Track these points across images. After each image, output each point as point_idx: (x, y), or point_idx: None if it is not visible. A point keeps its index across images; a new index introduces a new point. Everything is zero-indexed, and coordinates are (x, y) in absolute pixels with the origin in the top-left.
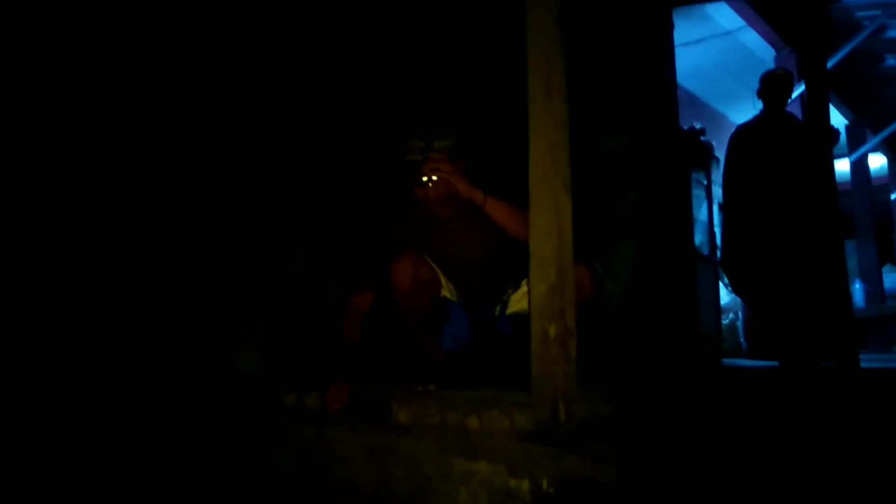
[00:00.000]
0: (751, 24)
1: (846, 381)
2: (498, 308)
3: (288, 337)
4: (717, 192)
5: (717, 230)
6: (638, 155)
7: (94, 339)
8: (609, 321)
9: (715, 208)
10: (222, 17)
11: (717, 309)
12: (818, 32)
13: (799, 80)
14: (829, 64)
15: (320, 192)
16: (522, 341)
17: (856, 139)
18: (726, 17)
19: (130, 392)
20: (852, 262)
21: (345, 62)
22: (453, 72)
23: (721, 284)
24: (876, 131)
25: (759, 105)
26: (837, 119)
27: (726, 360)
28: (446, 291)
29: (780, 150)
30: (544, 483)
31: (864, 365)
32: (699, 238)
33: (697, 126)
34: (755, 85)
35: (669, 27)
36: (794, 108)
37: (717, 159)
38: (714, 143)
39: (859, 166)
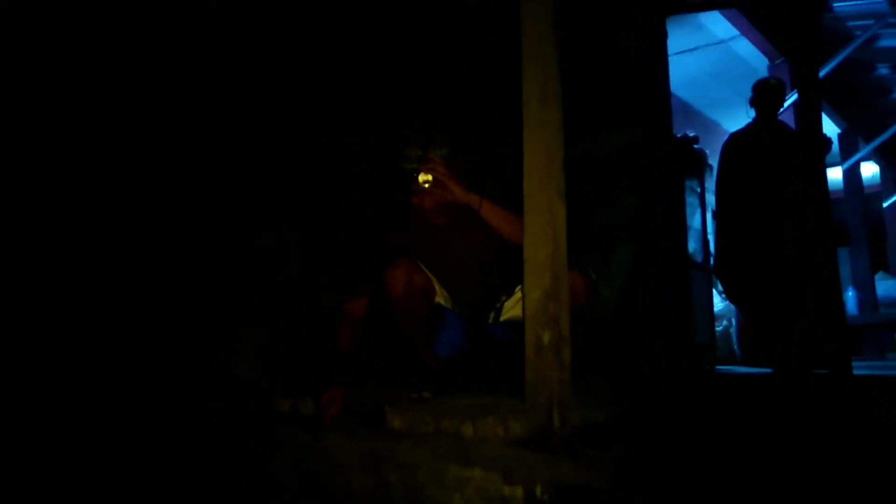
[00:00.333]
0: (744, 33)
1: (839, 389)
2: (492, 314)
3: (286, 341)
4: (711, 199)
5: (711, 237)
6: (633, 160)
7: (92, 341)
8: (604, 327)
9: (708, 216)
10: (223, 19)
11: (710, 316)
12: (811, 42)
13: (792, 89)
14: (822, 73)
15: (320, 193)
16: (516, 348)
17: (848, 147)
18: (720, 27)
19: (128, 395)
20: (845, 270)
21: (344, 66)
22: (450, 78)
23: (715, 291)
24: (868, 140)
25: (752, 113)
26: (830, 128)
27: (720, 367)
28: (440, 298)
29: (772, 158)
30: (538, 490)
31: (857, 372)
32: (693, 245)
33: (691, 134)
34: (748, 94)
35: (663, 35)
36: (786, 117)
37: (711, 167)
38: (707, 151)
39: (852, 174)
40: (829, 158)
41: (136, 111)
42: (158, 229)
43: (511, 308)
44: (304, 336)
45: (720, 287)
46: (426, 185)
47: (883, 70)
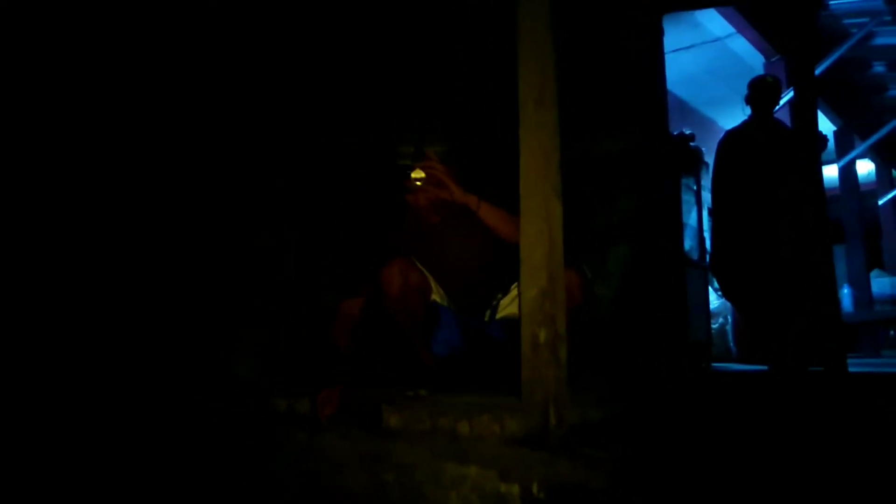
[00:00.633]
0: (740, 31)
1: (835, 386)
2: (488, 313)
3: (286, 341)
4: (707, 197)
5: (707, 235)
6: (629, 160)
7: (93, 341)
8: (600, 326)
9: (704, 213)
10: (222, 20)
11: (706, 313)
12: (807, 40)
13: (788, 87)
14: (818, 71)
15: (319, 193)
16: (513, 346)
17: (844, 145)
18: (716, 24)
19: (128, 395)
20: (841, 268)
21: (343, 67)
22: (446, 78)
23: (711, 289)
24: (864, 137)
25: (748, 111)
26: (826, 125)
27: (716, 365)
28: (437, 296)
29: (768, 155)
30: (535, 488)
31: (852, 369)
32: (689, 243)
33: (687, 132)
34: (744, 91)
35: (660, 33)
36: (782, 115)
37: (707, 165)
38: (703, 148)
39: (847, 172)
40: (824, 156)
41: (136, 113)
42: (158, 230)
43: (507, 306)
44: (302, 336)
45: (716, 284)
46: (418, 183)
47: (879, 68)
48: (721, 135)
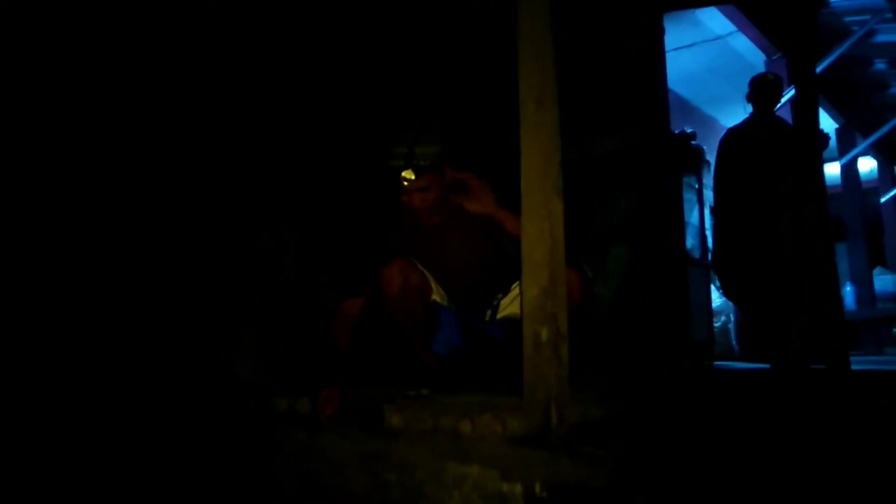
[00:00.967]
0: (741, 29)
1: (837, 384)
2: (488, 312)
3: (286, 341)
4: (708, 195)
5: (709, 234)
6: (630, 159)
7: (93, 341)
8: (601, 325)
9: (706, 212)
10: (220, 22)
11: (709, 312)
12: (808, 37)
13: (789, 85)
14: (819, 68)
15: (319, 194)
16: (513, 345)
17: (846, 143)
18: (717, 23)
19: (129, 395)
20: (843, 265)
21: (343, 68)
22: (447, 79)
23: (713, 288)
24: (866, 135)
25: (750, 109)
26: (827, 123)
27: (718, 363)
28: (437, 296)
29: (770, 153)
30: (537, 487)
31: (855, 367)
32: (690, 242)
33: (688, 130)
34: (745, 89)
35: (660, 31)
36: (784, 113)
37: (708, 163)
38: (705, 147)
39: (849, 170)
40: (826, 154)
41: (136, 114)
42: (159, 230)
43: (507, 306)
44: (302, 336)
45: (718, 283)
46: (405, 184)
47: (880, 65)
48: (722, 133)
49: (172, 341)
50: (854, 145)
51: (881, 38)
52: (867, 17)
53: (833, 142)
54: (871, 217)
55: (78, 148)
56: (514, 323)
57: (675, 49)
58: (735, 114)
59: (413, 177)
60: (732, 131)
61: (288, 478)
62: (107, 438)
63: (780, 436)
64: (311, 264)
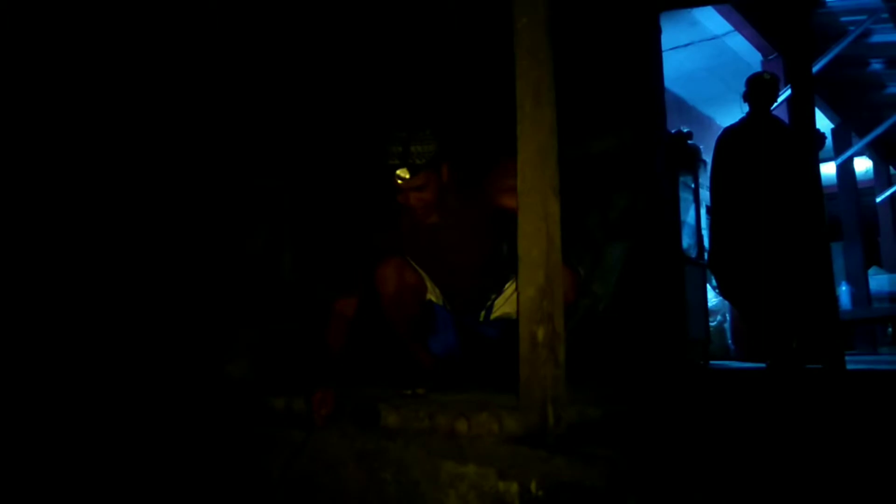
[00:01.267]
0: (738, 28)
1: (833, 383)
2: (483, 313)
3: (280, 341)
4: (705, 195)
5: (705, 233)
6: (627, 158)
7: (87, 341)
8: (598, 324)
9: (702, 211)
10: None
11: (705, 311)
12: (804, 37)
13: (785, 84)
14: (815, 68)
15: (314, 193)
16: (508, 345)
17: (842, 143)
18: (714, 22)
19: (123, 395)
20: (838, 265)
21: (339, 66)
22: (444, 76)
23: (709, 287)
24: (862, 135)
25: (746, 108)
26: (823, 123)
27: (714, 362)
28: (432, 295)
29: (766, 153)
30: (533, 486)
31: (850, 367)
32: (687, 241)
33: (685, 130)
34: (742, 89)
35: (657, 31)
36: (780, 112)
37: (705, 162)
38: (701, 146)
39: (845, 170)
40: (822, 153)
41: (132, 113)
42: (153, 230)
43: (501, 306)
44: (297, 336)
45: (714, 282)
46: (399, 182)
47: (876, 65)
48: (719, 132)
49: (167, 341)
50: (850, 145)
51: (877, 38)
52: (863, 17)
53: (829, 141)
54: (867, 217)
55: (73, 148)
56: (508, 323)
57: (671, 48)
58: (731, 113)
59: (408, 175)
60: (729, 131)
61: (283, 477)
62: (102, 438)
63: (776, 435)
64: (306, 264)
